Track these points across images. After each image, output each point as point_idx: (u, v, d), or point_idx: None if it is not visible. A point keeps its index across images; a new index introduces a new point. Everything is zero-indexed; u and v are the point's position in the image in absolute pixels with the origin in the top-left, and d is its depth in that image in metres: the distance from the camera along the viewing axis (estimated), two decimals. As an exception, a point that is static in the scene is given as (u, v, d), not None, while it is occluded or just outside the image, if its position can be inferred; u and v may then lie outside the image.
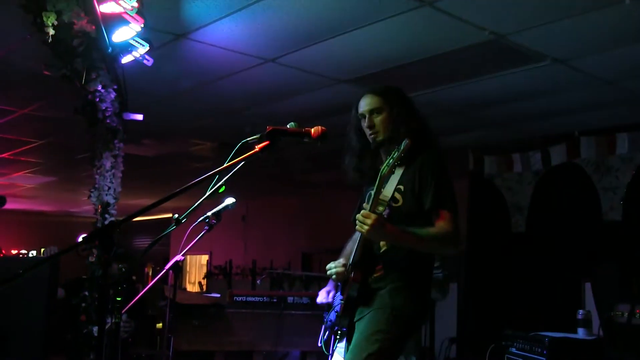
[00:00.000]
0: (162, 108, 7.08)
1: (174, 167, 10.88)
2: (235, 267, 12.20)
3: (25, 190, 13.66)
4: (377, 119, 3.20)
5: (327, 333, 3.45)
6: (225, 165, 2.62)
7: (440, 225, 3.00)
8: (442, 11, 4.58)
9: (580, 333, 4.91)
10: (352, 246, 3.23)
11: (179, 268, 4.15)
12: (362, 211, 2.95)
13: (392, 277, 3.08)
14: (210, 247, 14.71)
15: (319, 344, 3.55)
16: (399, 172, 3.10)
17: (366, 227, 2.89)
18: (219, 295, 5.80)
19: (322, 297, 3.80)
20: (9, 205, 7.02)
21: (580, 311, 4.95)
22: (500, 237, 8.16)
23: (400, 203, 3.09)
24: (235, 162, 2.59)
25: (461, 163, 8.58)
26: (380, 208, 2.98)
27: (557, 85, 6.14)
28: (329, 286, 3.79)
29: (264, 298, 5.70)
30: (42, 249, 16.30)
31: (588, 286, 5.53)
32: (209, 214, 3.98)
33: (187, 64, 5.83)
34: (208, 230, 4.09)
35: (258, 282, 9.68)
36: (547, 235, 7.60)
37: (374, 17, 4.74)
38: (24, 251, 16.97)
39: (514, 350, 4.93)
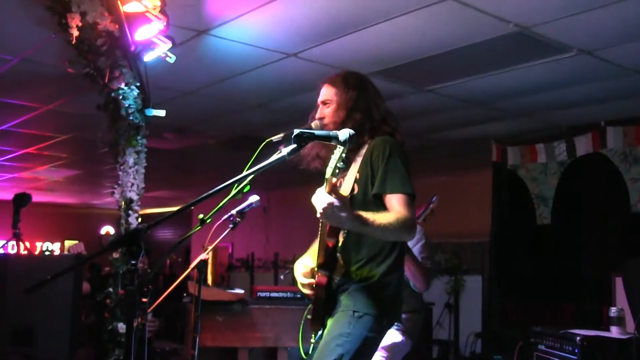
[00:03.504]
0: (184, 103, 7.09)
1: (195, 160, 10.90)
2: (257, 259, 12.14)
3: (49, 184, 13.80)
4: (327, 111, 3.17)
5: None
6: (250, 169, 2.60)
7: (395, 209, 2.88)
8: (465, 4, 4.53)
9: (614, 331, 4.75)
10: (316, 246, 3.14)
11: (204, 266, 4.14)
12: (317, 190, 2.76)
13: (353, 275, 3.00)
14: (232, 239, 14.71)
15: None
16: (357, 163, 3.07)
17: (324, 207, 2.69)
18: (242, 291, 5.77)
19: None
20: (34, 198, 7.13)
21: (613, 308, 4.78)
22: (526, 229, 8.06)
23: (356, 191, 3.03)
24: (261, 166, 2.57)
25: (484, 154, 8.50)
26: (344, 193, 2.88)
27: (583, 76, 6.05)
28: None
29: (288, 294, 5.66)
30: (66, 242, 16.45)
31: (619, 281, 5.40)
32: (233, 212, 3.96)
33: (209, 60, 5.82)
34: (232, 229, 4.08)
35: (281, 277, 9.64)
36: (574, 227, 7.47)
37: (398, 11, 4.70)
38: (48, 243, 17.13)
39: (543, 347, 4.83)
